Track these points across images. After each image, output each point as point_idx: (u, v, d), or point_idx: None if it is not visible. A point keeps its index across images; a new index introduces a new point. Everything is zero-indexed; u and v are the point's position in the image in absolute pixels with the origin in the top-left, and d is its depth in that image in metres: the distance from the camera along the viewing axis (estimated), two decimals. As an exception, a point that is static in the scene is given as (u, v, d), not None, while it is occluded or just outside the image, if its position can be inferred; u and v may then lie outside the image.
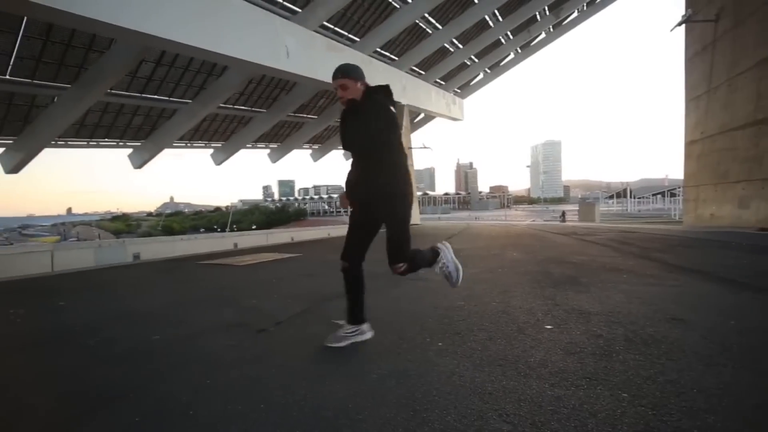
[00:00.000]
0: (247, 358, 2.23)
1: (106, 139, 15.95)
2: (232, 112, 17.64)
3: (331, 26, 14.86)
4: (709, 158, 13.07)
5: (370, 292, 3.95)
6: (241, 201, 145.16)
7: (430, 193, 79.55)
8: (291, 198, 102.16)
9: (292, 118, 20.75)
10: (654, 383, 1.76)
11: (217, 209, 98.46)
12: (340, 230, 14.88)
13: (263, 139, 22.14)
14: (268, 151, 23.51)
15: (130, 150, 16.98)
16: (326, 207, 77.80)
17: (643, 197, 44.92)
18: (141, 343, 2.56)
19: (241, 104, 17.35)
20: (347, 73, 2.32)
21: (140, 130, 16.20)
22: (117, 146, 16.66)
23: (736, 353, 2.10)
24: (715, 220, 12.64)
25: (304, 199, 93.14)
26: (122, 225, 75.89)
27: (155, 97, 14.53)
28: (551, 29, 24.80)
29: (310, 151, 26.56)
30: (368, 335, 2.41)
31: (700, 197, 13.63)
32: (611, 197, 55.95)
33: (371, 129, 2.18)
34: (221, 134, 19.45)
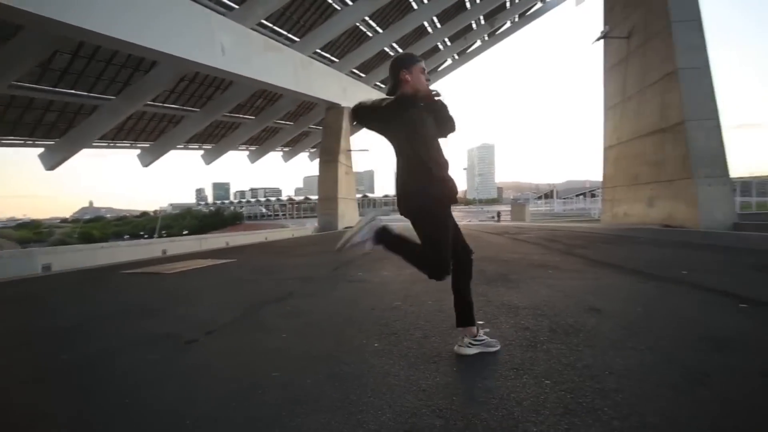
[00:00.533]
0: (172, 373, 2.09)
1: (11, 137, 14.36)
2: (162, 110, 16.62)
3: (270, 25, 14.50)
4: (624, 162, 14.34)
5: (306, 296, 3.92)
6: (171, 205, 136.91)
7: (370, 195, 79.99)
8: (226, 201, 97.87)
9: (227, 118, 19.96)
10: (573, 369, 1.89)
11: (144, 214, 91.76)
12: (278, 234, 14.55)
13: (196, 140, 21.09)
14: (201, 152, 22.44)
15: (41, 149, 15.41)
16: (264, 210, 75.34)
17: (567, 198, 48.34)
18: (45, 365, 2.32)
19: (171, 102, 16.40)
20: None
21: (54, 127, 14.77)
22: (25, 145, 15.04)
23: (642, 337, 2.31)
24: (628, 218, 13.87)
25: (240, 202, 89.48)
26: (29, 233, 67.41)
27: (72, 91, 13.31)
28: (486, 38, 25.98)
29: (246, 152, 25.69)
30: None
31: (616, 197, 14.91)
32: (540, 198, 59.61)
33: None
34: (149, 134, 18.26)
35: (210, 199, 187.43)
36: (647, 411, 1.49)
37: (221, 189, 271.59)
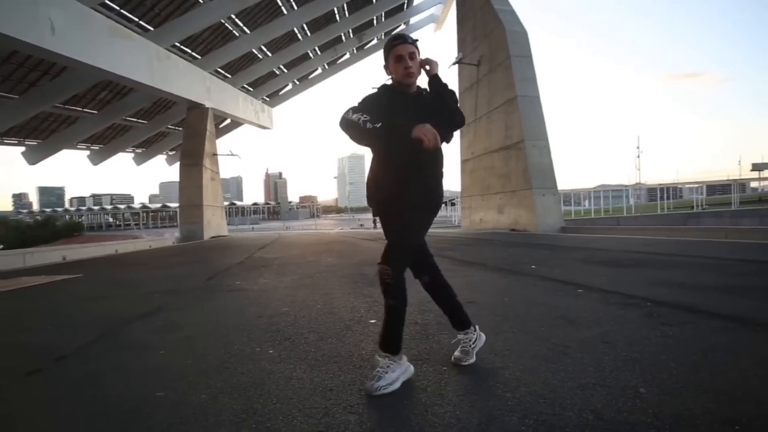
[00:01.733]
0: (12, 412, 1.67)
1: None
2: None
3: (116, 7, 12.72)
4: (478, 174, 16.20)
5: (179, 309, 3.53)
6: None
7: (238, 203, 75.44)
8: (59, 209, 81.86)
9: (60, 110, 16.83)
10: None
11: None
12: (131, 246, 12.77)
13: (14, 134, 17.36)
14: (22, 149, 18.49)
15: None
16: (111, 220, 65.18)
17: (430, 206, 52.33)
18: None
19: (-25, 85, 13.17)
20: (415, 41, 1.81)
21: None
22: None
23: (512, 322, 2.64)
24: (484, 223, 15.70)
25: (78, 210, 75.70)
26: None
27: None
28: (355, 51, 26.85)
29: (87, 152, 22.02)
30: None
31: (473, 205, 16.76)
32: (406, 206, 63.25)
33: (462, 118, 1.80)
34: (-59, 122, 14.39)
35: (35, 207, 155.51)
36: (530, 381, 1.70)
37: (51, 194, 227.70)
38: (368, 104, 1.76)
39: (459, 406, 1.50)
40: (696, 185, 32.53)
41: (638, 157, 50.67)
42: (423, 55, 1.85)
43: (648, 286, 3.66)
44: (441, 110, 1.79)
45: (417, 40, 1.83)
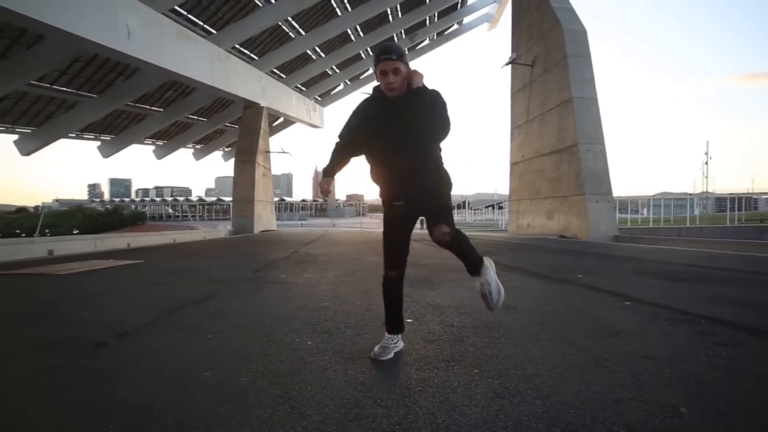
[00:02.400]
0: (81, 378, 1.87)
1: None
2: (49, 92, 14.62)
3: (184, 12, 13.58)
4: (527, 177, 15.76)
5: (228, 298, 3.74)
6: (57, 201, 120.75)
7: (288, 199, 77.97)
8: (126, 199, 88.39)
9: (131, 108, 18.20)
10: (497, 359, 2.06)
11: (22, 210, 79.34)
12: (188, 236, 13.59)
13: (92, 129, 18.94)
14: (98, 143, 20.16)
15: None
16: (170, 211, 69.44)
17: (477, 209, 51.61)
18: None
19: (62, 85, 14.52)
20: (402, 55, 1.95)
21: None
22: None
23: (551, 330, 2.59)
24: (531, 228, 15.26)
25: (143, 200, 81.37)
26: None
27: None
28: (407, 51, 26.89)
29: (153, 147, 23.64)
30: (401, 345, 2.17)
31: (521, 209, 16.32)
32: (453, 208, 62.74)
33: (445, 122, 1.94)
34: (32, 118, 15.98)
35: (106, 196, 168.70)
36: (562, 390, 1.68)
37: (120, 186, 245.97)
38: (355, 116, 2.07)
39: (486, 409, 1.51)
40: (773, 196, 29.76)
41: (706, 163, 47.05)
42: (413, 67, 2.00)
43: (705, 302, 3.44)
44: (425, 116, 1.92)
45: (404, 53, 1.96)
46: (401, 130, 1.93)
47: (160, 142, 23.61)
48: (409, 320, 2.83)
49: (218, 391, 1.68)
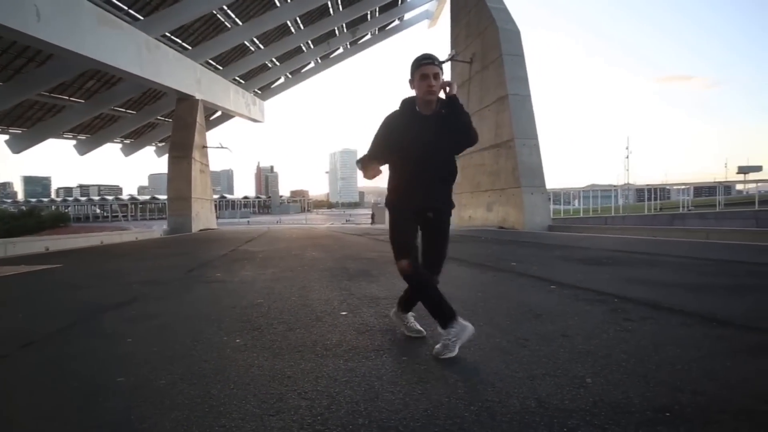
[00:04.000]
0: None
1: None
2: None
3: (105, -4, 12.53)
4: (468, 171, 16.26)
5: (155, 299, 3.54)
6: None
7: (229, 196, 74.89)
8: (45, 199, 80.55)
9: (46, 99, 16.56)
10: (426, 345, 2.11)
11: None
12: (118, 237, 12.67)
13: (-1, 122, 17.07)
14: (6, 137, 18.20)
15: None
16: (98, 211, 64.19)
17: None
18: None
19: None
20: (440, 63, 2.02)
21: None
22: None
23: (481, 315, 2.69)
24: (473, 221, 15.78)
25: (65, 201, 74.51)
26: None
27: None
28: (348, 45, 26.74)
29: (74, 142, 21.72)
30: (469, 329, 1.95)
31: (462, 202, 16.81)
32: (398, 203, 63.37)
33: (471, 138, 2.04)
34: None
35: (20, 197, 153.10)
36: (483, 371, 1.76)
37: (37, 184, 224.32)
38: (385, 130, 2.09)
39: (410, 394, 1.55)
40: (683, 187, 33.02)
41: (627, 157, 51.42)
42: (445, 77, 2.05)
43: (620, 283, 3.74)
44: (456, 128, 2.02)
45: (443, 62, 2.07)
46: (438, 151, 2.04)
47: (82, 137, 21.72)
48: (344, 313, 2.84)
49: (132, 396, 1.58)
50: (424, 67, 1.98)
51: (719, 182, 29.70)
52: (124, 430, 1.33)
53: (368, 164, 2.10)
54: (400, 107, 2.10)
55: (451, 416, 1.36)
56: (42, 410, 1.51)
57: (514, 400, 1.47)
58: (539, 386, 1.58)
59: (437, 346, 1.95)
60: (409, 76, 2.05)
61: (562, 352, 1.97)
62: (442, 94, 2.01)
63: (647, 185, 29.99)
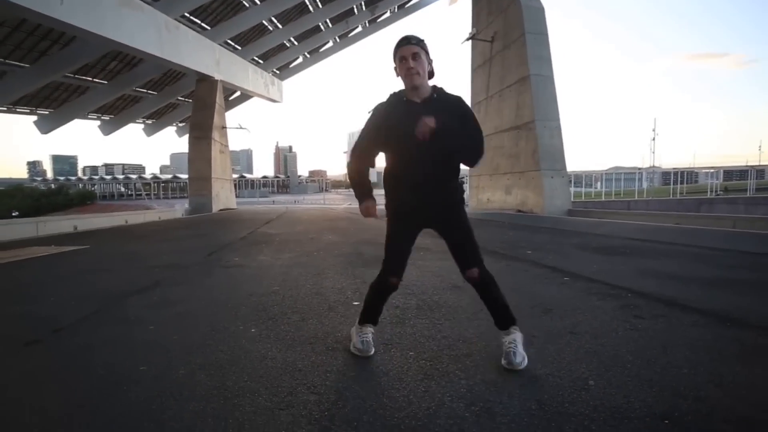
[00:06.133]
0: (9, 381, 1.81)
1: None
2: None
3: (125, -23, 12.56)
4: (487, 154, 16.00)
5: (176, 284, 3.68)
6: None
7: (248, 176, 75.60)
8: (72, 178, 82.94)
9: (70, 80, 16.91)
10: (433, 340, 2.16)
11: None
12: (141, 217, 13.06)
13: (26, 102, 17.52)
14: (34, 117, 18.71)
15: None
16: (122, 189, 65.88)
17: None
18: None
19: (-14, 54, 13.22)
20: (421, 41, 1.85)
21: None
22: None
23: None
24: (491, 204, 15.64)
25: (91, 179, 76.71)
26: None
27: None
28: (367, 24, 26.29)
29: (98, 122, 22.21)
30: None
31: (480, 185, 16.65)
32: (416, 184, 62.96)
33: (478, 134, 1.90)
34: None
35: (49, 175, 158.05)
36: (488, 370, 1.80)
37: (65, 163, 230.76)
38: (373, 122, 1.92)
39: (414, 391, 1.60)
40: (712, 170, 31.88)
41: (653, 139, 49.69)
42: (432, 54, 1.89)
43: (635, 276, 3.70)
44: (467, 133, 1.87)
45: (422, 41, 1.87)
46: (435, 141, 1.77)
47: (106, 117, 22.18)
48: (356, 303, 2.90)
49: (153, 386, 1.69)
50: (400, 49, 1.84)
51: (751, 166, 28.56)
52: (146, 420, 1.43)
53: (365, 202, 2.02)
54: (387, 99, 1.94)
55: (452, 416, 1.41)
56: (73, 398, 1.63)
57: (515, 401, 1.51)
58: (541, 387, 1.62)
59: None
60: (393, 65, 1.89)
61: (568, 350, 2.00)
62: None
63: (674, 168, 29.01)
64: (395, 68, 1.89)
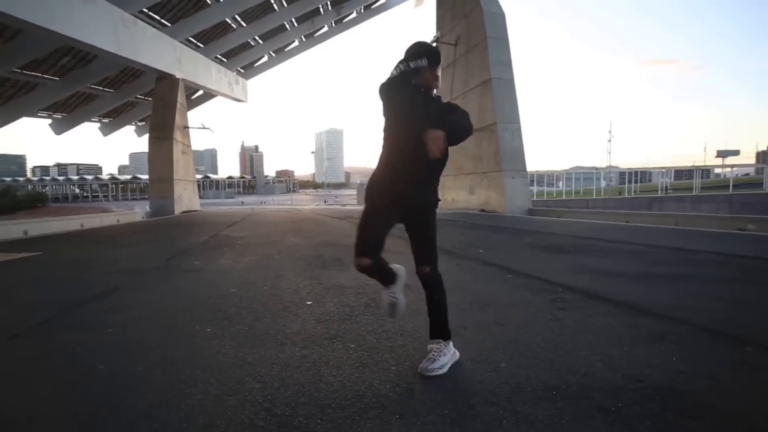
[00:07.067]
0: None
1: None
2: None
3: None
4: (451, 154, 16.27)
5: (134, 290, 3.75)
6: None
7: (212, 176, 73.95)
8: (20, 178, 78.58)
9: (17, 76, 16.14)
10: (375, 334, 2.39)
11: None
12: (99, 220, 12.68)
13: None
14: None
15: None
16: (77, 191, 62.81)
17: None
18: None
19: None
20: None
21: None
22: None
23: (432, 305, 2.98)
24: (455, 203, 16.11)
25: (42, 179, 72.76)
26: None
27: None
28: (333, 24, 26.34)
29: (49, 120, 21.26)
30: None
31: (445, 185, 17.09)
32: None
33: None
34: None
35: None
36: (417, 358, 2.03)
37: (11, 162, 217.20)
38: (400, 93, 1.89)
39: (349, 377, 1.83)
40: (664, 170, 33.84)
41: (609, 141, 52.28)
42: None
43: (571, 272, 4.06)
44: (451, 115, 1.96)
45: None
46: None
47: (57, 115, 21.28)
48: (309, 302, 3.10)
49: (111, 382, 1.84)
50: (438, 68, 1.99)
51: (697, 166, 30.53)
52: (105, 410, 1.58)
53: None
54: (397, 79, 1.88)
55: (377, 395, 1.65)
56: (39, 396, 1.76)
57: (435, 382, 1.77)
58: (460, 371, 1.88)
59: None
60: (423, 61, 1.88)
61: (491, 339, 2.27)
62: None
63: (629, 168, 30.57)
64: (430, 72, 1.94)
